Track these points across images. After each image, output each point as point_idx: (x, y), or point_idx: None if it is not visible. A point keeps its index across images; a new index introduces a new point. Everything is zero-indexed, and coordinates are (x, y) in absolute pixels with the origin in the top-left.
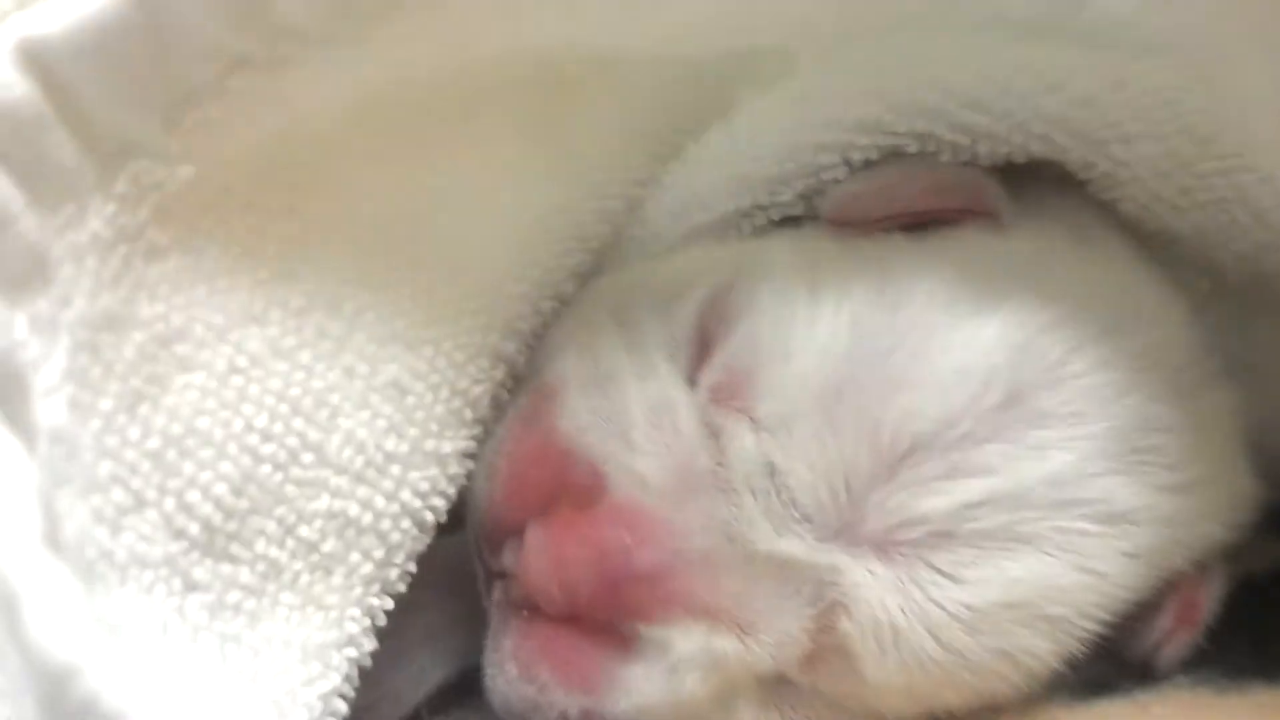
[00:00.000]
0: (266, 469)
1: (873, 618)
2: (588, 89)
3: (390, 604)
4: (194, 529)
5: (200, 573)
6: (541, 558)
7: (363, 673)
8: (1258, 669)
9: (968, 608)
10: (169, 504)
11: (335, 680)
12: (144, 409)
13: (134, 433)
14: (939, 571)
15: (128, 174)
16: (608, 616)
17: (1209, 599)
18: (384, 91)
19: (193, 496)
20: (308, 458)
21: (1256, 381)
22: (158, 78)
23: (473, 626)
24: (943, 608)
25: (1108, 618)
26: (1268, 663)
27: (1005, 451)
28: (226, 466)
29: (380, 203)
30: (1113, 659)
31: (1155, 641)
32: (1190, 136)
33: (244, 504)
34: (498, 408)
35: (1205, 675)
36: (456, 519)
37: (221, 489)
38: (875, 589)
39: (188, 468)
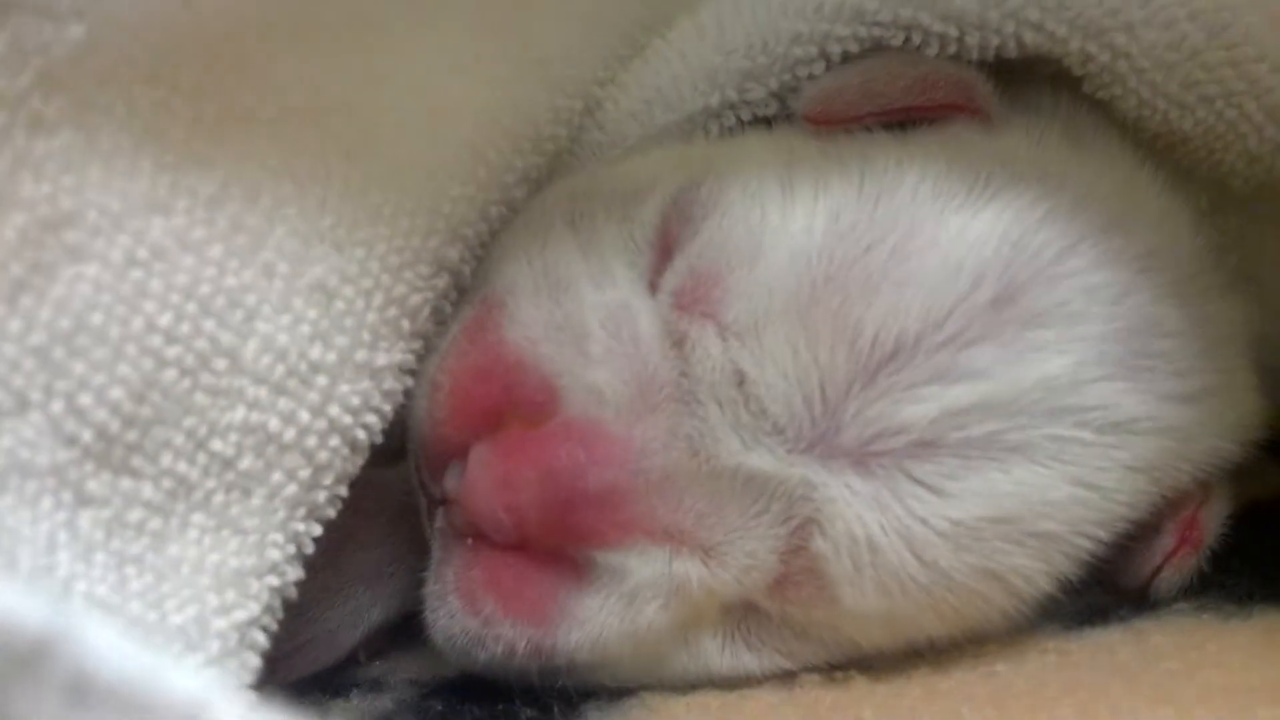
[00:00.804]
0: (172, 374)
1: (849, 535)
2: None
3: (318, 530)
4: (87, 436)
5: (95, 486)
6: (486, 479)
7: (294, 611)
8: (1265, 594)
9: (952, 523)
10: (56, 407)
11: (253, 610)
12: (26, 300)
13: (14, 326)
14: (921, 484)
15: (6, 32)
16: (559, 542)
17: (1213, 519)
18: None
19: (85, 400)
20: (220, 364)
21: (1261, 296)
22: None
23: (415, 565)
24: (925, 523)
25: (1105, 536)
26: (1274, 586)
27: (996, 354)
28: (124, 369)
29: (310, 88)
30: (1109, 583)
31: (1155, 564)
32: (1198, 22)
33: (146, 411)
34: (440, 320)
35: (1208, 601)
36: (399, 449)
37: (119, 393)
38: (852, 504)
39: (78, 368)
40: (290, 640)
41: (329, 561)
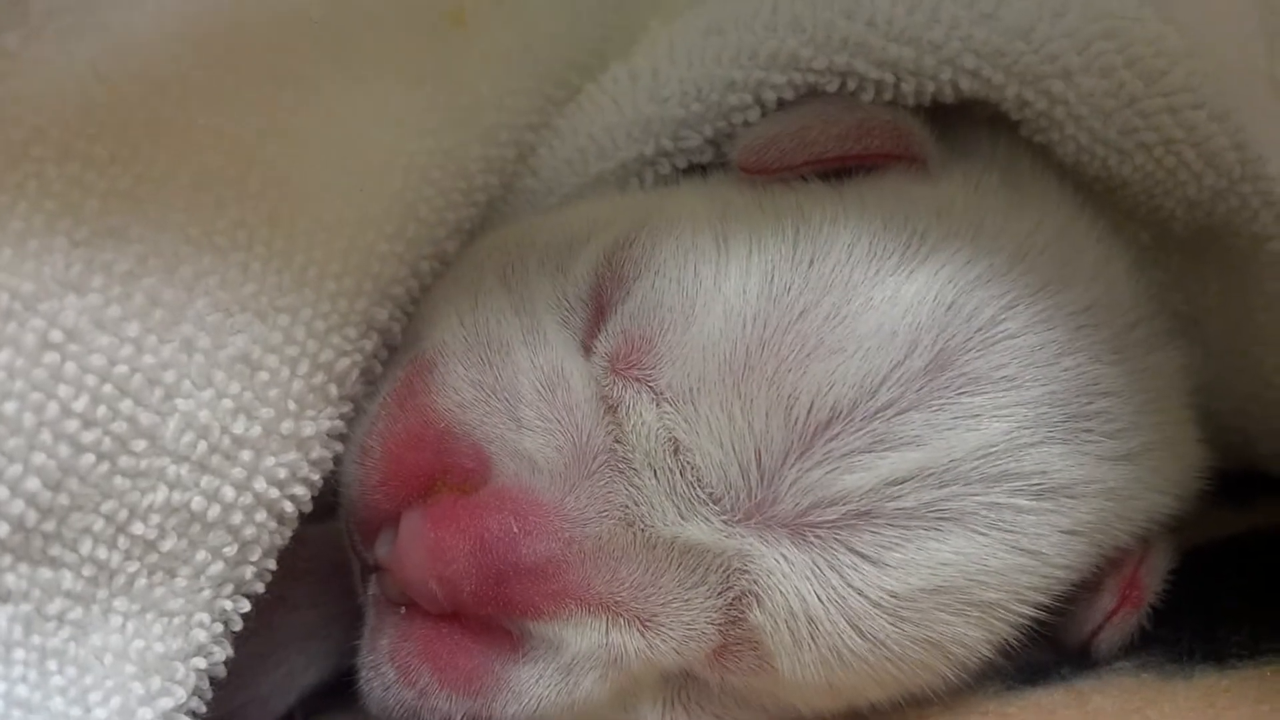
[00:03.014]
0: (89, 459)
1: (787, 608)
2: (484, 20)
3: (246, 606)
4: (3, 530)
5: (13, 579)
6: (418, 549)
7: (228, 674)
8: (1206, 651)
9: (891, 594)
10: None
11: (180, 696)
12: None
13: None
14: (859, 555)
15: None
16: (493, 613)
17: (1153, 576)
18: (233, 15)
19: None
20: (139, 445)
21: (1203, 340)
22: None
23: (350, 623)
24: (863, 595)
25: (1044, 600)
26: (1216, 644)
27: (932, 421)
28: (40, 458)
29: (228, 148)
30: (1050, 643)
31: (1096, 623)
32: (1136, 69)
33: (63, 500)
34: (370, 380)
35: (1149, 659)
36: (331, 506)
37: (34, 483)
38: (789, 576)
39: None
40: (223, 706)
41: (260, 624)
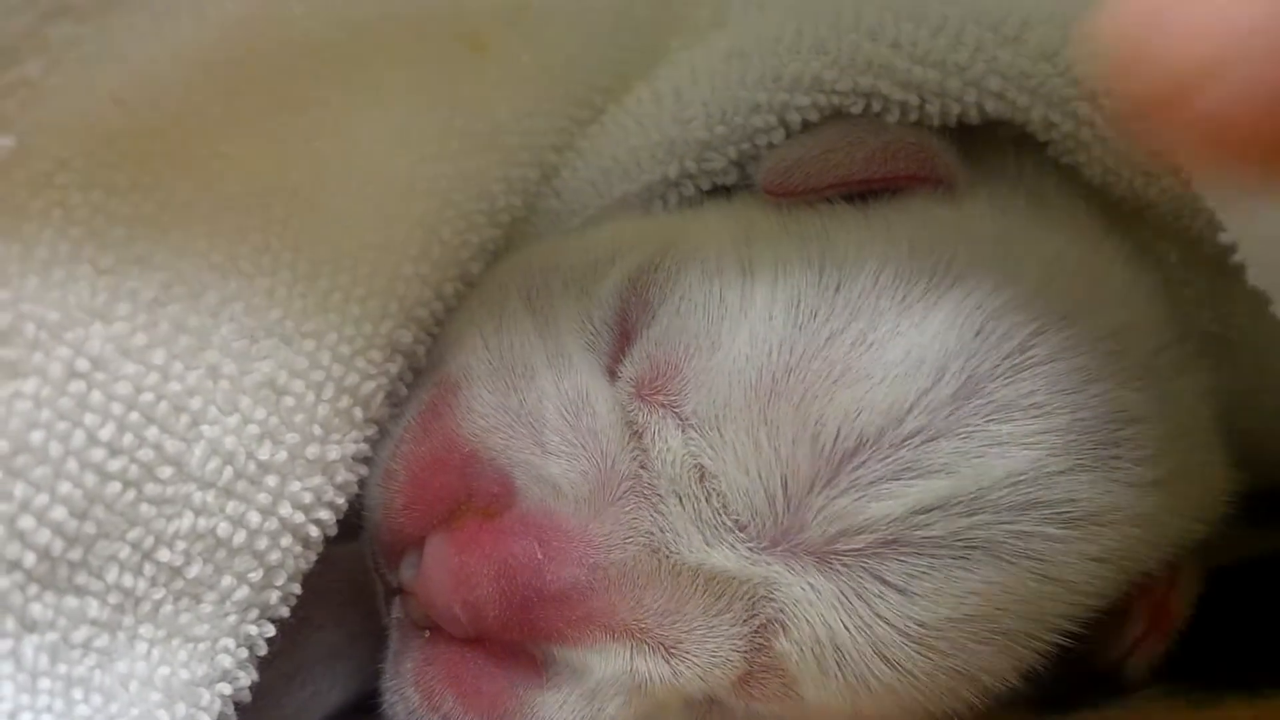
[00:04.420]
0: (115, 487)
1: (813, 636)
2: (502, 42)
3: (271, 631)
4: (30, 560)
5: (39, 609)
6: (442, 573)
7: (253, 697)
8: (1235, 678)
9: (919, 624)
10: None
11: None
12: None
13: None
14: (886, 584)
15: None
16: (517, 638)
17: (1182, 602)
18: (250, 43)
19: (26, 523)
20: (165, 472)
21: (1231, 358)
22: None
23: (374, 643)
24: (890, 624)
25: (1072, 628)
26: (1244, 668)
27: (960, 449)
28: (66, 487)
29: (250, 174)
30: (1078, 670)
31: (1124, 650)
32: None
33: (89, 528)
34: (395, 404)
35: (1177, 685)
36: (357, 525)
37: (61, 513)
38: (815, 604)
39: (19, 490)
40: None
41: (285, 646)
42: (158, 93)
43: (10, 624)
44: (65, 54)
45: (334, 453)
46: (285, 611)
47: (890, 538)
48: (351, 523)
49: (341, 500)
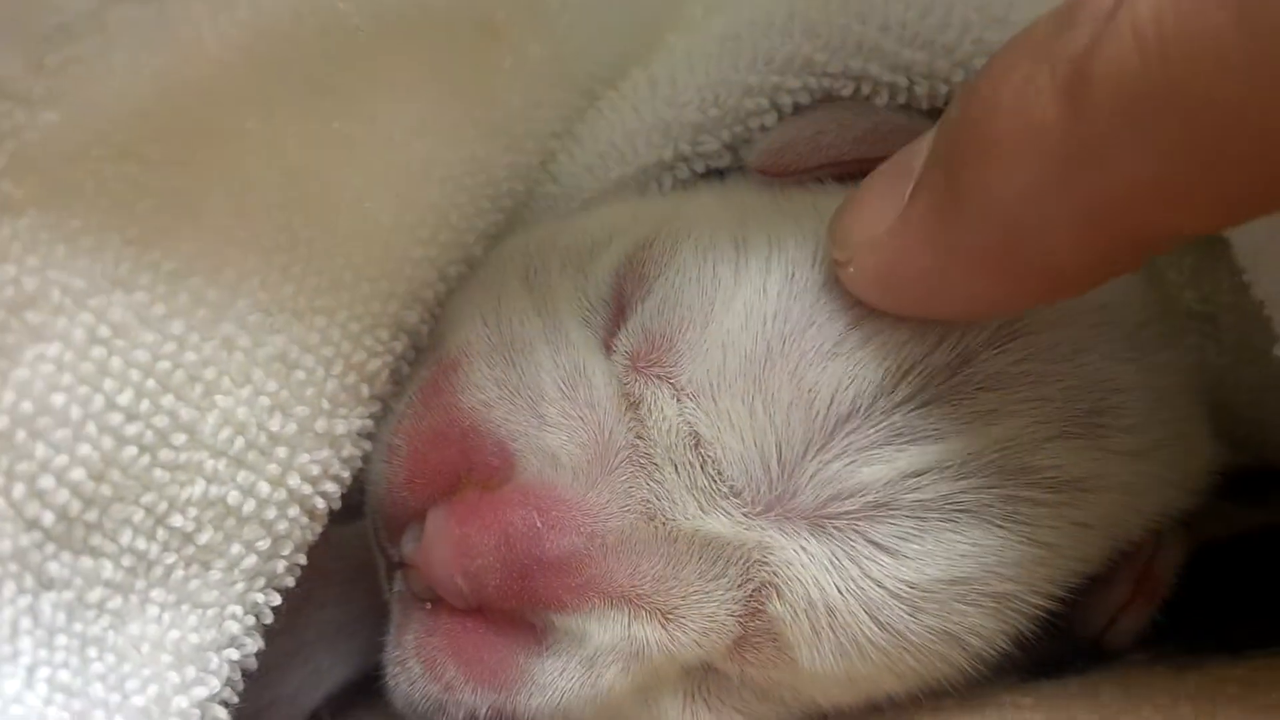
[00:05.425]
0: (131, 451)
1: (805, 598)
2: (517, 32)
3: (277, 600)
4: (48, 519)
5: (56, 568)
6: (443, 545)
7: (255, 674)
8: (1218, 643)
9: (909, 585)
10: (18, 491)
11: (214, 685)
12: None
13: None
14: (878, 546)
15: None
16: (517, 607)
17: (1167, 570)
18: (282, 30)
19: (46, 482)
20: (179, 439)
21: (1215, 335)
22: (25, 9)
23: (376, 622)
24: (882, 586)
25: (1059, 593)
26: (1229, 637)
27: (951, 415)
28: (85, 449)
29: (275, 154)
30: (1064, 636)
31: (1110, 615)
32: None
33: (106, 490)
34: (398, 382)
35: (1162, 651)
36: (357, 507)
37: (79, 474)
38: (808, 567)
39: (40, 450)
40: (250, 705)
41: (288, 623)
42: (194, 73)
43: (29, 581)
44: (121, 35)
45: (341, 427)
46: (291, 582)
47: (881, 501)
48: (353, 504)
49: (347, 474)
